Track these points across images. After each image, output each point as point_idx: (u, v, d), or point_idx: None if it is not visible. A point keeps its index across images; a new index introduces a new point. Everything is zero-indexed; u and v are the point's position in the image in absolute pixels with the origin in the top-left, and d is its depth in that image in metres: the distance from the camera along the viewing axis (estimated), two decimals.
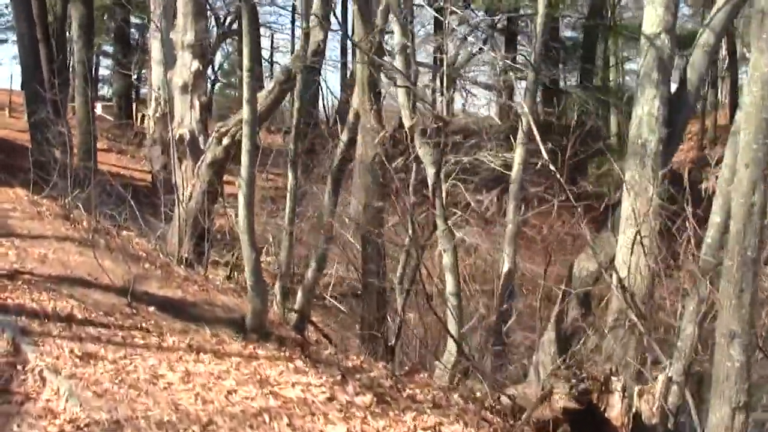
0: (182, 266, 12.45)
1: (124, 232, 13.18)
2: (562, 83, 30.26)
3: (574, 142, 7.15)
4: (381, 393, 5.49)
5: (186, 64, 14.05)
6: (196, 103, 14.12)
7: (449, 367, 6.96)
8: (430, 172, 7.29)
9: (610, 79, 32.61)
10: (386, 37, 12.02)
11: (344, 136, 10.80)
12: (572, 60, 28.39)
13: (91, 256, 9.63)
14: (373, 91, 9.07)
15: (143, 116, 27.55)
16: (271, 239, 14.05)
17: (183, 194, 13.35)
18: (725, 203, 6.33)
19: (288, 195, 11.07)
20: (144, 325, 7.47)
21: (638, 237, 6.95)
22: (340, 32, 24.76)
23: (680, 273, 6.57)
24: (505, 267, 8.46)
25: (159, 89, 16.70)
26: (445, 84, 10.73)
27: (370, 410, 5.12)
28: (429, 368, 7.66)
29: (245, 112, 8.18)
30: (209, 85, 25.11)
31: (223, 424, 4.64)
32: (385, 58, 9.41)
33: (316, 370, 5.99)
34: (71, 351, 5.74)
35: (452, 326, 7.02)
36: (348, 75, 28.15)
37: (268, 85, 13.88)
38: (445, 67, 11.14)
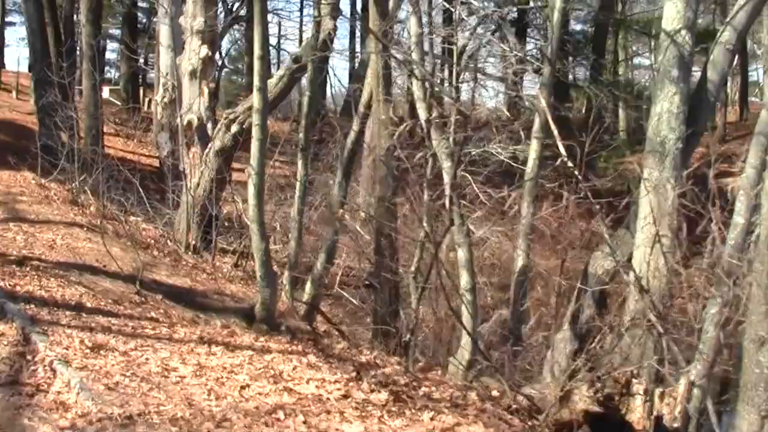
0: (190, 253, 12.39)
1: (132, 218, 13.11)
2: (570, 77, 30.07)
3: (593, 138, 7.01)
4: (397, 391, 5.38)
5: (195, 50, 13.93)
6: (205, 90, 14.01)
7: (464, 364, 6.86)
8: (446, 165, 7.16)
9: (620, 73, 32.40)
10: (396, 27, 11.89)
11: (355, 126, 10.69)
12: (582, 54, 28.18)
13: (99, 242, 9.57)
14: (387, 81, 8.92)
15: (150, 101, 27.43)
16: (278, 227, 13.97)
17: (191, 181, 13.26)
18: (749, 204, 6.22)
19: (297, 184, 10.98)
20: (153, 314, 7.40)
21: (657, 235, 6.83)
22: (348, 21, 24.60)
23: (701, 273, 6.45)
24: (519, 263, 8.34)
25: (167, 75, 16.59)
26: (455, 75, 10.58)
27: (386, 408, 5.02)
28: (441, 364, 7.56)
29: (256, 100, 8.04)
30: (216, 72, 24.95)
31: (237, 421, 4.54)
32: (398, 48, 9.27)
33: (330, 366, 5.89)
34: (81, 341, 5.65)
35: (467, 322, 6.91)
36: (356, 64, 27.94)
37: (278, 72, 13.76)
38: (455, 58, 11.00)
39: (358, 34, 29.89)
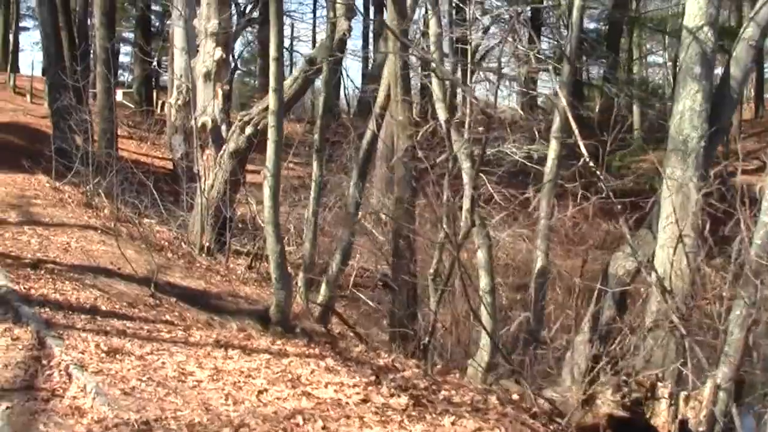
0: (204, 255, 12.35)
1: (146, 220, 13.09)
2: (584, 76, 29.89)
3: (615, 137, 6.91)
4: (417, 395, 5.29)
5: (209, 52, 13.89)
6: (219, 92, 13.97)
7: (483, 367, 6.76)
8: (466, 166, 7.06)
9: (634, 72, 32.21)
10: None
11: (370, 127, 10.60)
12: (596, 52, 28.02)
13: (114, 245, 9.52)
14: (406, 81, 8.82)
15: (163, 103, 27.49)
16: (291, 229, 13.92)
17: (205, 183, 13.23)
18: None
19: (312, 185, 10.91)
20: (168, 317, 7.33)
21: (680, 235, 6.70)
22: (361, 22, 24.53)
23: (725, 274, 6.33)
24: (538, 264, 8.23)
25: (181, 77, 16.57)
26: (468, 75, 10.49)
27: (406, 413, 4.92)
28: (459, 367, 7.46)
29: (271, 102, 7.97)
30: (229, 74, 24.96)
31: (255, 426, 4.46)
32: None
33: (348, 369, 5.80)
34: (97, 345, 5.58)
35: (486, 324, 6.81)
36: (369, 65, 27.91)
37: (292, 74, 13.71)
38: (469, 57, 10.88)
39: (371, 35, 29.87)
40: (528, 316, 7.38)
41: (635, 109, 28.65)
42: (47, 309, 6.45)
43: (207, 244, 12.75)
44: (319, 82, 16.93)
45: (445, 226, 7.17)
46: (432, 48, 7.53)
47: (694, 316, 6.68)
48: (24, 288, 7.06)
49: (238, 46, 30.25)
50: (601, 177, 6.61)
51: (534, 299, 7.81)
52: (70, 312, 6.52)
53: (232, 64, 26.08)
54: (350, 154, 15.51)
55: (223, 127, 13.76)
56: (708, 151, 7.44)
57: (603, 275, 8.04)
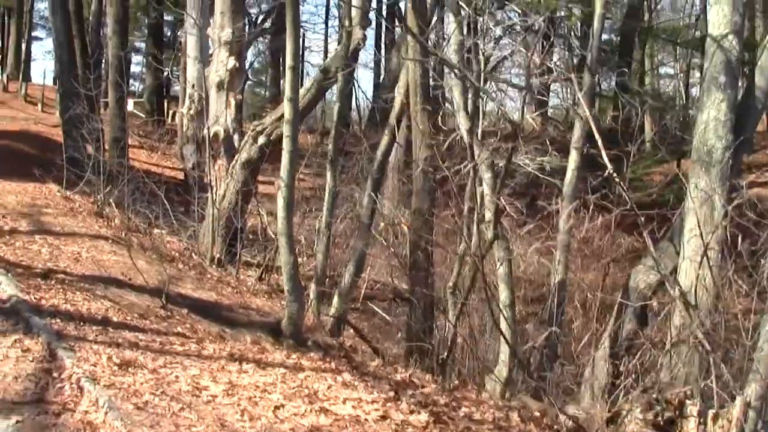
0: (215, 266, 12.22)
1: (156, 231, 12.98)
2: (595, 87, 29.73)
3: (637, 148, 6.76)
4: (437, 412, 5.14)
5: (223, 62, 13.83)
6: (232, 101, 13.90)
7: (502, 382, 6.59)
8: (487, 177, 6.91)
9: (646, 83, 32.00)
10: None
11: (385, 137, 10.48)
12: (610, 63, 27.87)
13: (125, 255, 9.41)
14: (425, 90, 8.69)
15: (174, 113, 27.46)
16: (302, 240, 13.79)
17: (216, 193, 13.13)
18: None
19: (326, 196, 10.79)
20: (180, 329, 7.20)
21: (705, 248, 6.53)
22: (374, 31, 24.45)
23: (751, 288, 6.15)
24: (558, 277, 8.07)
25: (193, 86, 16.50)
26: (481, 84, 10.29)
27: (427, 431, 4.78)
28: (476, 382, 7.29)
29: (287, 111, 7.85)
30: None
31: None
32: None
33: (366, 385, 5.65)
34: (109, 358, 5.46)
35: (508, 339, 6.64)
36: (382, 75, 27.86)
37: (305, 83, 13.62)
38: (482, 66, 10.74)
39: (383, 45, 29.82)
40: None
41: (647, 120, 28.45)
42: (58, 320, 6.33)
43: (218, 255, 12.63)
44: (329, 93, 16.88)
45: (465, 237, 7.02)
46: (453, 56, 7.41)
47: (719, 331, 6.50)
48: (35, 298, 6.94)
49: (249, 56, 30.23)
50: (625, 188, 6.45)
51: (555, 313, 7.64)
52: (82, 323, 6.39)
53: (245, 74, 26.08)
54: (362, 164, 15.40)
55: (236, 137, 13.68)
56: (734, 162, 7.27)
57: (624, 289, 7.87)
